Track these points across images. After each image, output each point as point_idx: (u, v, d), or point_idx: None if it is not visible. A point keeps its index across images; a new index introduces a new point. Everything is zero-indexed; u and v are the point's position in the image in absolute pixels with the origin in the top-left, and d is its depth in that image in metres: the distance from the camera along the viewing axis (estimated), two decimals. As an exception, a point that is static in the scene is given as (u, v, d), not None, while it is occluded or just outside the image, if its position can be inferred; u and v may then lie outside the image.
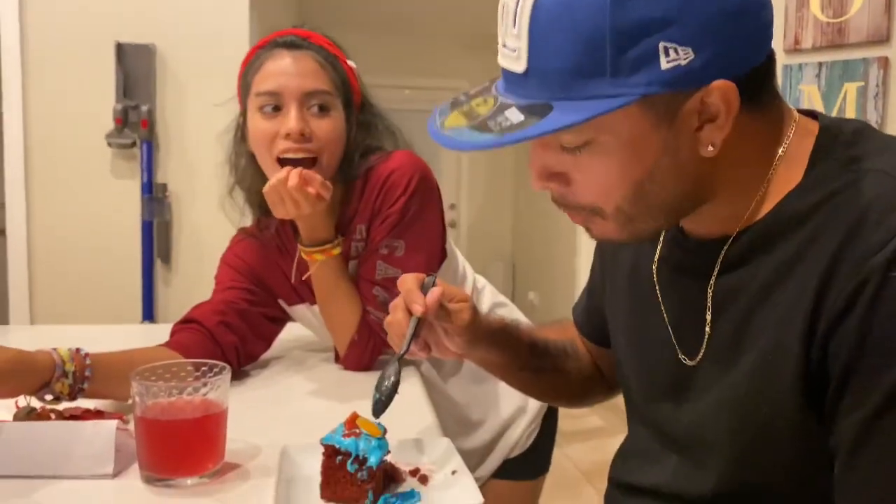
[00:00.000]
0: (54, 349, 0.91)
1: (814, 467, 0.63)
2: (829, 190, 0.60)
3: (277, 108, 1.13)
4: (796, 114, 0.68)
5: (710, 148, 0.61)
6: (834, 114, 2.24)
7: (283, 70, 1.13)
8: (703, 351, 0.70)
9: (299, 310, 1.31)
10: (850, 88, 2.19)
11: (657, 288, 0.76)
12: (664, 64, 0.56)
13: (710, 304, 0.68)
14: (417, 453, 0.81)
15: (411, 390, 1.13)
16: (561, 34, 0.57)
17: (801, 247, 0.61)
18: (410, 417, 1.00)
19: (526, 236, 5.43)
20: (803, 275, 0.60)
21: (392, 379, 0.80)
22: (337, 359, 1.27)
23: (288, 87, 1.12)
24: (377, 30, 5.29)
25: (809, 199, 0.62)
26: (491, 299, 1.43)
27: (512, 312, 1.46)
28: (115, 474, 0.81)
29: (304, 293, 1.27)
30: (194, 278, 2.56)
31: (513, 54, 0.60)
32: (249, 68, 1.18)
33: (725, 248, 0.67)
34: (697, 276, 0.70)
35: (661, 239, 0.76)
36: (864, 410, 0.56)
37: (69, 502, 0.76)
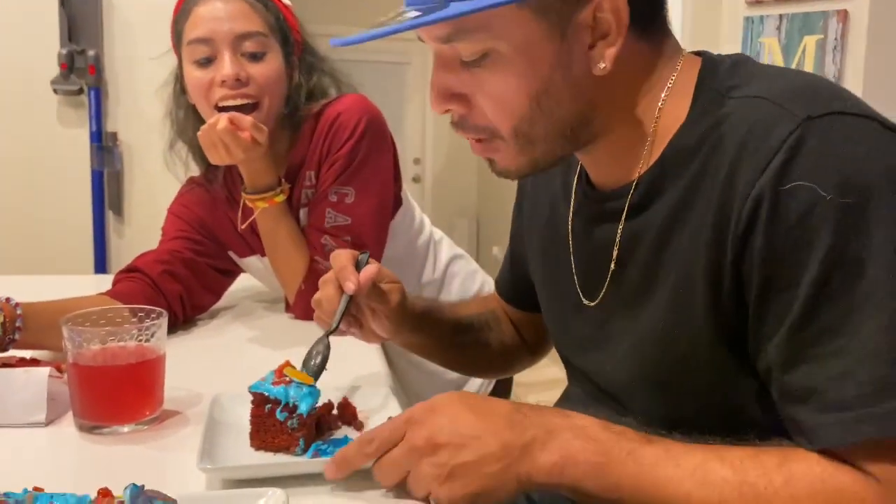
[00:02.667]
0: (-19, 298, 0.87)
1: (736, 397, 0.63)
2: (712, 122, 0.62)
3: (211, 60, 1.09)
4: (684, 50, 0.70)
5: (603, 65, 0.62)
6: (793, 67, 2.25)
7: (213, 14, 1.09)
8: (603, 291, 0.71)
9: (250, 261, 1.28)
10: (810, 42, 2.19)
11: (570, 238, 0.77)
12: None
13: (617, 247, 0.69)
14: (357, 400, 0.80)
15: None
16: None
17: (694, 180, 0.62)
18: (363, 369, 0.99)
19: (490, 192, 5.41)
20: (700, 208, 0.61)
21: (321, 356, 0.79)
22: (287, 308, 1.25)
23: (219, 32, 1.08)
24: (339, -23, 5.14)
25: (695, 133, 0.63)
26: (448, 252, 1.42)
27: (469, 264, 1.45)
28: (49, 422, 0.79)
29: (255, 245, 1.24)
30: (148, 230, 2.47)
31: None
32: (180, 16, 1.13)
33: (630, 193, 0.68)
34: (606, 224, 0.71)
35: (573, 195, 0.77)
36: (788, 325, 0.56)
37: (1, 450, 0.74)
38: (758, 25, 2.29)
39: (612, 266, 0.70)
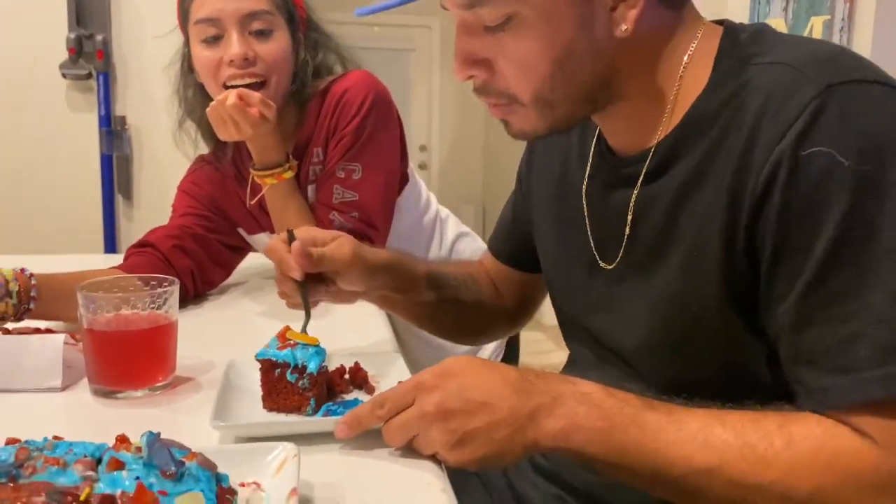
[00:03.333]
0: (-4, 269, 0.89)
1: (745, 361, 0.64)
2: (733, 88, 0.63)
3: (218, 38, 1.10)
4: (704, 19, 0.70)
5: (625, 27, 0.63)
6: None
7: None
8: (620, 254, 0.72)
9: (260, 238, 1.29)
10: (817, 22, 2.19)
11: (584, 202, 0.78)
12: None
13: (631, 211, 0.70)
14: (366, 365, 0.81)
15: (371, 311, 1.13)
16: None
17: (713, 146, 0.63)
18: (371, 340, 1.01)
19: (496, 179, 5.41)
20: (718, 172, 0.62)
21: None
22: (296, 284, 1.26)
23: (225, 11, 1.09)
24: (345, -36, 5.13)
25: (716, 100, 0.63)
26: (455, 229, 1.43)
27: (475, 241, 1.46)
28: (65, 388, 0.81)
29: (264, 221, 1.26)
30: (157, 213, 2.49)
31: None
32: None
33: (647, 159, 0.68)
34: (622, 189, 0.71)
35: (590, 158, 0.78)
36: (800, 287, 0.57)
37: (19, 415, 0.76)
38: (764, 6, 2.29)
39: (628, 230, 0.71)
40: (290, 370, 0.71)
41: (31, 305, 0.91)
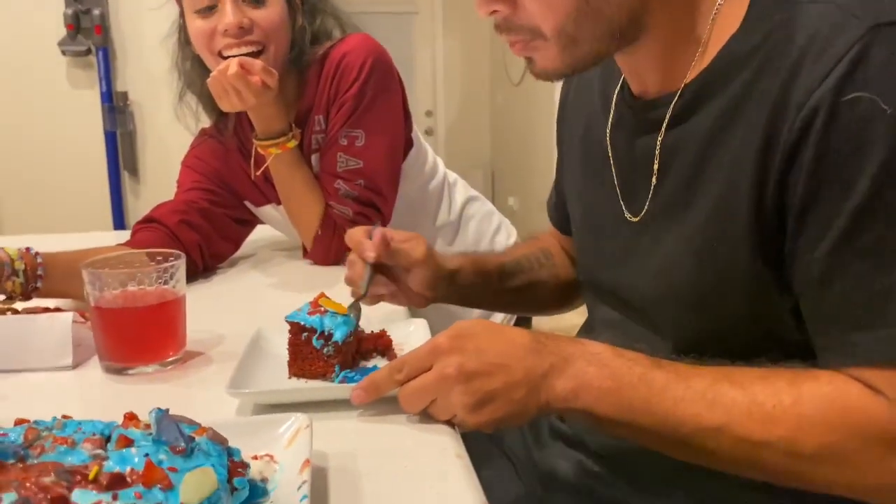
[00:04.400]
0: (1, 248, 0.88)
1: (771, 314, 0.63)
2: (768, 28, 0.59)
3: (212, 7, 1.08)
4: None
5: None
6: None
7: None
8: (647, 205, 0.70)
9: (266, 210, 1.28)
10: None
11: (609, 151, 0.76)
12: None
13: (657, 158, 0.68)
14: (391, 332, 0.81)
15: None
16: None
17: (746, 88, 0.60)
18: (381, 306, 1.00)
19: (504, 143, 5.36)
20: (750, 116, 0.59)
21: (354, 316, 0.79)
22: (305, 254, 1.25)
23: None
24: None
25: (749, 40, 0.60)
26: (464, 193, 1.41)
27: (484, 205, 1.45)
28: (75, 365, 0.80)
29: (270, 193, 1.24)
30: (163, 189, 2.48)
31: None
32: None
33: (673, 101, 0.66)
34: (647, 134, 0.69)
35: (613, 105, 0.75)
36: (831, 238, 0.55)
37: (31, 394, 0.76)
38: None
39: (654, 179, 0.69)
40: (316, 336, 0.71)
41: (39, 284, 0.91)
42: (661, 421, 0.58)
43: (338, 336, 0.71)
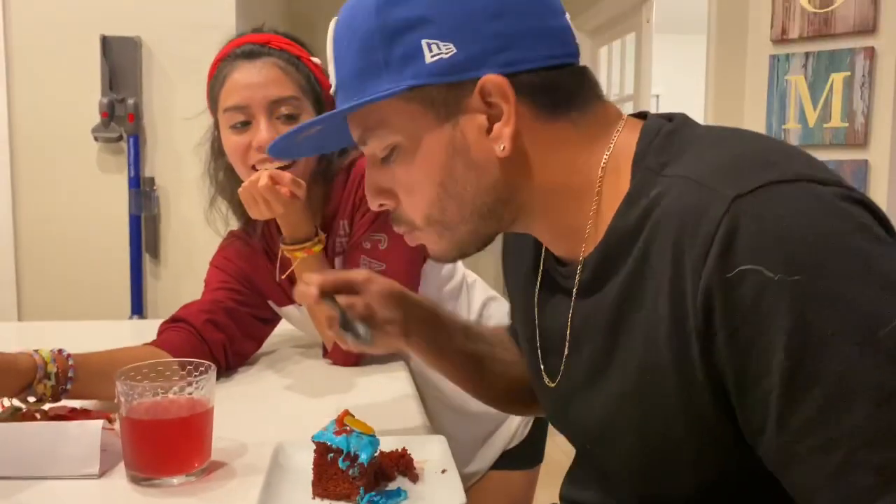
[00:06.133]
0: (35, 351, 0.90)
1: (728, 470, 0.61)
2: (646, 204, 0.60)
3: (247, 123, 1.13)
4: (625, 116, 0.68)
5: (502, 146, 0.63)
6: (820, 104, 2.25)
7: (248, 81, 1.12)
8: (561, 373, 0.72)
9: (289, 310, 1.31)
10: (837, 79, 2.20)
11: (535, 315, 0.77)
12: (428, 58, 0.62)
13: (568, 330, 0.70)
14: (411, 449, 0.81)
15: (400, 387, 1.13)
16: (346, 44, 0.66)
17: (638, 265, 0.60)
18: (399, 415, 1.00)
19: (517, 227, 5.42)
20: (651, 295, 0.59)
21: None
22: (325, 353, 1.27)
23: (254, 99, 1.11)
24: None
25: (632, 215, 0.61)
26: (483, 294, 1.43)
27: (504, 305, 1.46)
28: (101, 474, 0.81)
29: (293, 294, 1.27)
30: (183, 272, 2.55)
31: (330, 78, 0.69)
32: (214, 82, 1.17)
33: (578, 273, 0.67)
34: (562, 302, 0.71)
35: (542, 264, 0.76)
36: (773, 419, 0.52)
37: (55, 502, 0.76)
38: (784, 63, 2.31)
39: (567, 350, 0.70)
40: (342, 457, 0.72)
41: (69, 386, 0.92)
42: None
43: (363, 457, 0.72)
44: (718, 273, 0.52)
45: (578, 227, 0.67)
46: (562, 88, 0.65)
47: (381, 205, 0.71)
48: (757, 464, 0.56)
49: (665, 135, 0.63)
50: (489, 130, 0.64)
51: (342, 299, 0.86)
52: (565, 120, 0.65)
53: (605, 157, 0.65)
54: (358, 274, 0.89)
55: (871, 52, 2.13)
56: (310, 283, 0.85)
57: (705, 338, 0.55)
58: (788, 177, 0.54)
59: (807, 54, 2.26)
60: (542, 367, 0.76)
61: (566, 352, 0.70)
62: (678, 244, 0.56)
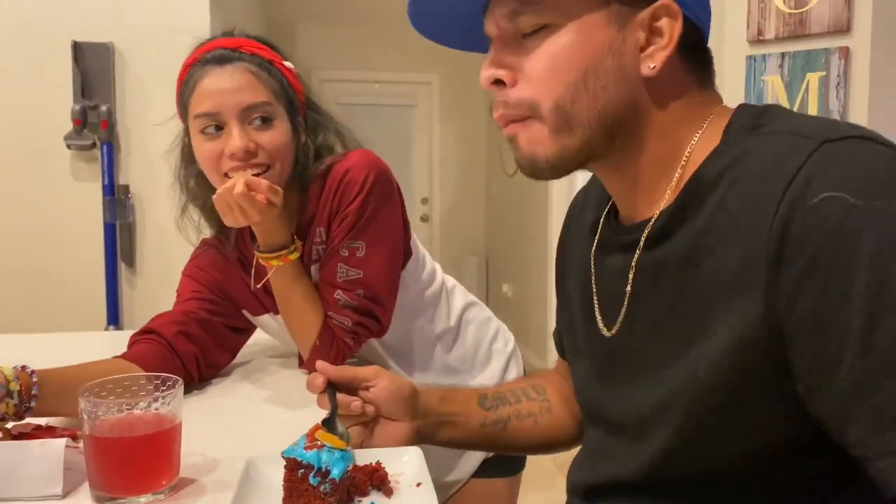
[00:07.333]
0: (-3, 368, 0.87)
1: (775, 437, 0.62)
2: (735, 154, 0.63)
3: (219, 128, 1.09)
4: (722, 101, 0.72)
5: (652, 65, 0.65)
6: (797, 104, 2.26)
7: (218, 88, 1.09)
8: (619, 322, 0.72)
9: (264, 320, 1.28)
10: (813, 78, 2.21)
11: (592, 272, 0.78)
12: None
13: (631, 279, 0.70)
14: (386, 462, 0.79)
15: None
16: None
17: (714, 212, 0.62)
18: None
19: (498, 229, 5.43)
20: (723, 239, 0.60)
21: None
22: (301, 363, 1.25)
23: (225, 105, 1.08)
24: (345, 23, 5.24)
25: (717, 165, 0.64)
26: (462, 299, 1.42)
27: (483, 311, 1.45)
28: (65, 494, 0.78)
29: (268, 303, 1.24)
30: (159, 280, 2.52)
31: None
32: (184, 88, 1.13)
33: (649, 224, 0.69)
34: (625, 256, 0.71)
35: (599, 228, 0.79)
36: (853, 345, 0.52)
37: (16, 526, 0.74)
38: (760, 64, 2.32)
39: (628, 297, 0.70)
40: (313, 473, 0.70)
41: (33, 404, 0.89)
42: None
43: (335, 473, 0.70)
44: (801, 199, 0.55)
45: (662, 179, 0.69)
46: (706, 52, 0.70)
47: (495, 78, 0.69)
48: (796, 441, 0.59)
49: (763, 108, 0.68)
50: (643, 48, 0.66)
51: (340, 397, 0.85)
52: (694, 78, 0.69)
53: (704, 123, 0.69)
54: (368, 371, 0.88)
55: (845, 52, 2.15)
56: (323, 372, 0.85)
57: (774, 267, 0.56)
58: (875, 137, 0.58)
59: (783, 54, 2.27)
60: (598, 319, 0.76)
61: (626, 300, 0.71)
62: (760, 178, 0.58)
